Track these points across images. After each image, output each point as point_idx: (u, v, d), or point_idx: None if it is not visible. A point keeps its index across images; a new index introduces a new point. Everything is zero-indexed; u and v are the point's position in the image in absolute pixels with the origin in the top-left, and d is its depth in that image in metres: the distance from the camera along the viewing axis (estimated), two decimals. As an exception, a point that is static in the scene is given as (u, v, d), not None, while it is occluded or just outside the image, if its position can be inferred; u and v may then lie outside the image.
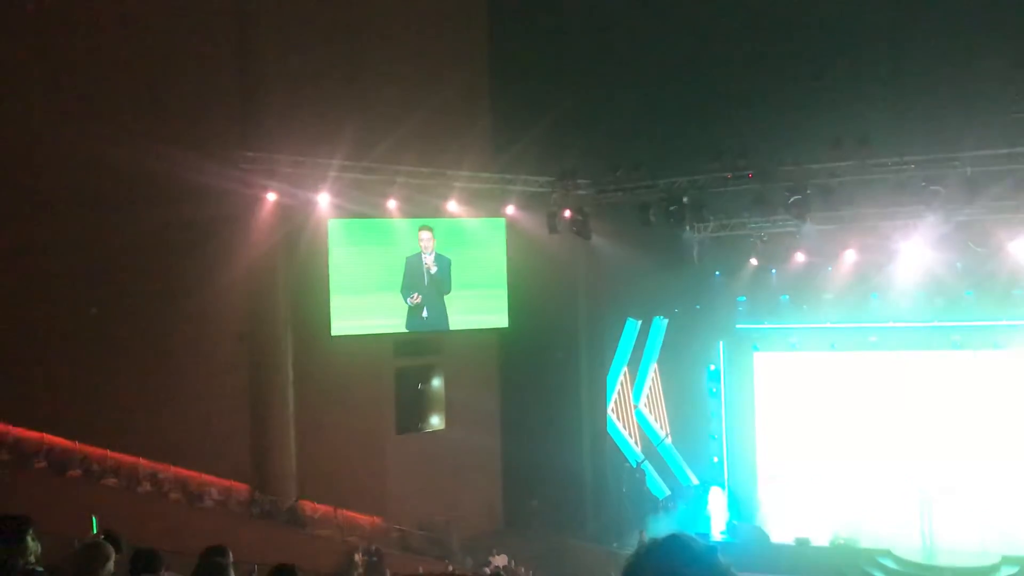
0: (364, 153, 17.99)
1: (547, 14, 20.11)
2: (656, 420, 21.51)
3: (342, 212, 18.48)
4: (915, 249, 18.02)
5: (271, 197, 18.10)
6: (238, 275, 18.01)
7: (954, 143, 15.78)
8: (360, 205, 18.60)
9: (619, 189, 18.55)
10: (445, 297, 18.64)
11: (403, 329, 18.50)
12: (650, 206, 18.11)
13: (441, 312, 18.62)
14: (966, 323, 18.88)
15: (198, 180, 16.62)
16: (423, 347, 19.37)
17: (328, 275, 18.46)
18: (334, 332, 18.30)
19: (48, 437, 16.46)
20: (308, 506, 18.33)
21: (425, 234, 18.61)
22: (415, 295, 18.40)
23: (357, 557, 16.28)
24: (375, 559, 17.03)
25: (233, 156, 17.67)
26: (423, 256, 18.61)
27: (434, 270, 18.54)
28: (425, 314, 18.47)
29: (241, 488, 18.08)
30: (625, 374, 21.08)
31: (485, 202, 19.13)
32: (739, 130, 18.71)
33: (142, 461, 17.48)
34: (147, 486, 17.48)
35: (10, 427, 16.34)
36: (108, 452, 17.24)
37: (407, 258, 18.37)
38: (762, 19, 18.63)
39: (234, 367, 18.46)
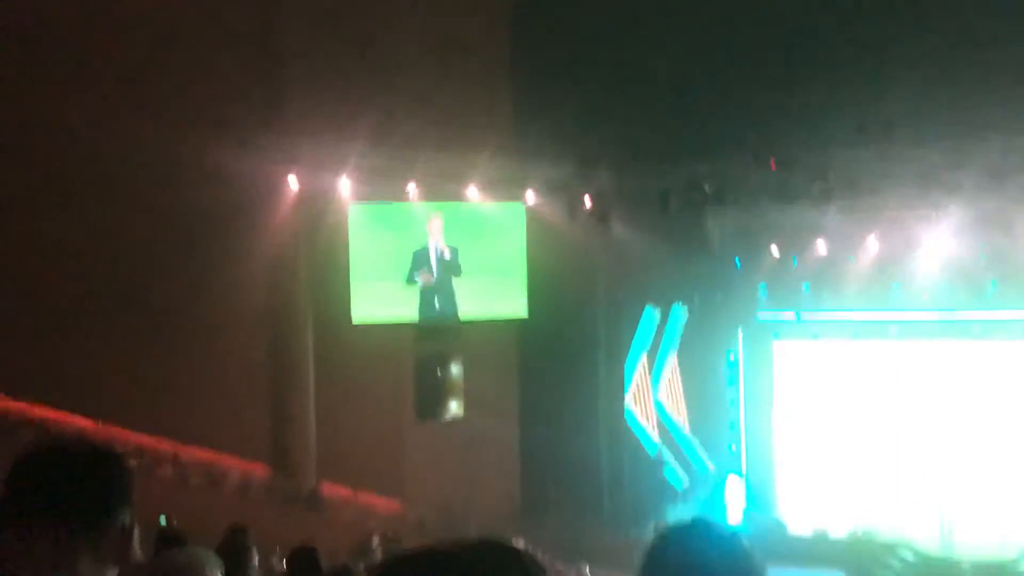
0: (385, 137, 17.91)
1: (570, -2, 19.82)
2: (675, 409, 21.48)
3: (363, 197, 18.56)
4: (939, 237, 17.89)
5: (293, 181, 18.11)
6: (259, 259, 18.00)
7: (980, 128, 15.77)
8: (381, 190, 18.67)
9: (641, 176, 18.65)
10: (457, 286, 18.63)
11: (416, 318, 18.61)
12: (671, 193, 18.28)
13: (451, 301, 18.62)
14: (989, 314, 18.76)
15: (220, 163, 16.49)
16: (443, 336, 19.33)
17: (349, 261, 18.53)
18: (355, 319, 18.37)
19: (69, 417, 16.68)
20: (327, 489, 18.49)
21: (436, 221, 18.54)
22: (424, 273, 18.34)
23: (375, 541, 16.37)
24: (393, 543, 17.10)
25: (255, 138, 17.63)
26: (431, 246, 18.55)
27: (447, 257, 18.56)
28: (437, 304, 18.50)
29: (261, 471, 18.27)
30: (644, 362, 21.07)
31: (505, 188, 19.15)
32: (762, 117, 18.70)
33: (163, 443, 17.56)
34: (168, 468, 17.45)
35: (37, 407, 16.53)
36: (130, 433, 17.10)
37: (414, 253, 18.35)
38: (787, 5, 18.64)
39: (255, 352, 18.57)
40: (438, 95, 19.03)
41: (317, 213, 18.56)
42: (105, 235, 17.41)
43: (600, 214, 19.14)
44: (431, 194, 18.81)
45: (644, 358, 21.18)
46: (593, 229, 19.40)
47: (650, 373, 21.25)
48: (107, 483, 2.17)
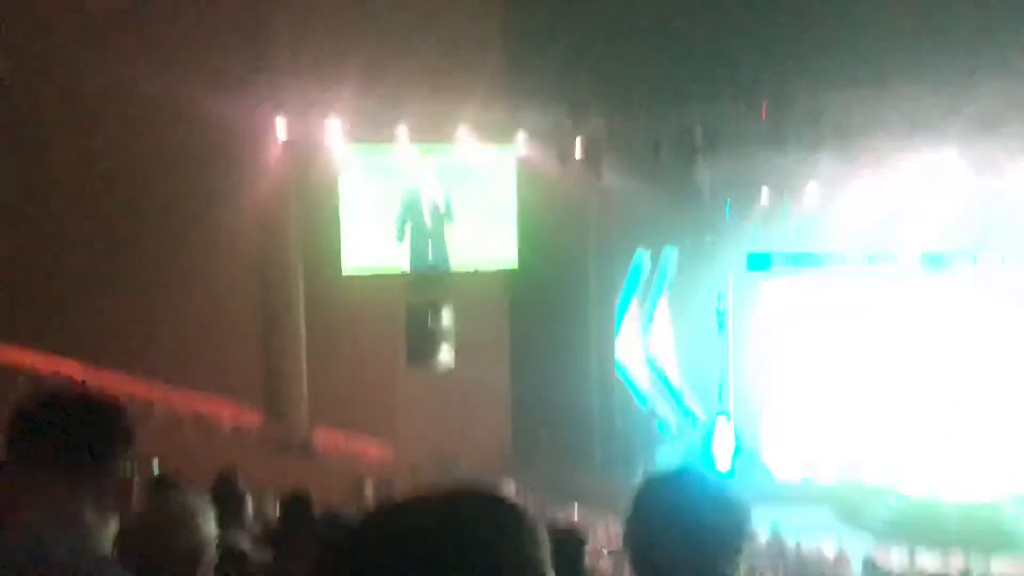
0: (374, 79, 17.73)
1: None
2: (665, 354, 21.54)
3: (352, 139, 18.47)
4: (930, 180, 17.94)
5: (280, 122, 18.02)
6: (247, 204, 17.88)
7: (972, 73, 15.83)
8: (370, 132, 18.56)
9: (632, 121, 18.75)
10: (447, 233, 18.65)
11: (407, 268, 18.63)
12: (663, 138, 18.46)
13: (443, 250, 18.67)
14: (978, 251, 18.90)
15: (205, 103, 16.26)
16: (434, 284, 19.42)
17: (338, 206, 18.54)
18: (345, 268, 18.45)
19: (59, 361, 16.61)
20: (320, 435, 18.55)
21: (428, 161, 18.52)
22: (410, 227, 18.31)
23: (368, 487, 16.44)
24: (385, 489, 17.18)
25: (241, 80, 17.41)
26: (424, 193, 18.56)
27: (439, 205, 18.59)
28: (429, 253, 18.53)
29: (253, 418, 18.31)
30: (634, 308, 21.16)
31: (496, 132, 19.05)
32: (754, 62, 18.64)
33: (154, 389, 17.48)
34: (160, 414, 17.37)
35: (26, 351, 16.46)
36: (120, 378, 16.90)
37: (403, 199, 18.30)
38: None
39: (244, 299, 18.48)
40: (428, 36, 18.74)
41: (305, 155, 18.45)
42: (88, 177, 17.25)
43: (591, 160, 19.15)
44: (421, 137, 18.68)
45: (635, 303, 21.25)
46: (584, 175, 19.38)
47: (640, 319, 21.35)
48: (109, 433, 2.20)
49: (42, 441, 2.15)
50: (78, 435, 2.16)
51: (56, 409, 2.21)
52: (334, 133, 18.11)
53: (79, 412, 2.21)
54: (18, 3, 16.32)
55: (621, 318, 21.18)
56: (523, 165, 19.22)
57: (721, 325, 20.78)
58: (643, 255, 21.00)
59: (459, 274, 19.32)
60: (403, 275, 19.00)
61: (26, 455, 2.14)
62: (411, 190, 18.59)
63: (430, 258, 18.79)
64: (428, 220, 18.70)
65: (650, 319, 21.56)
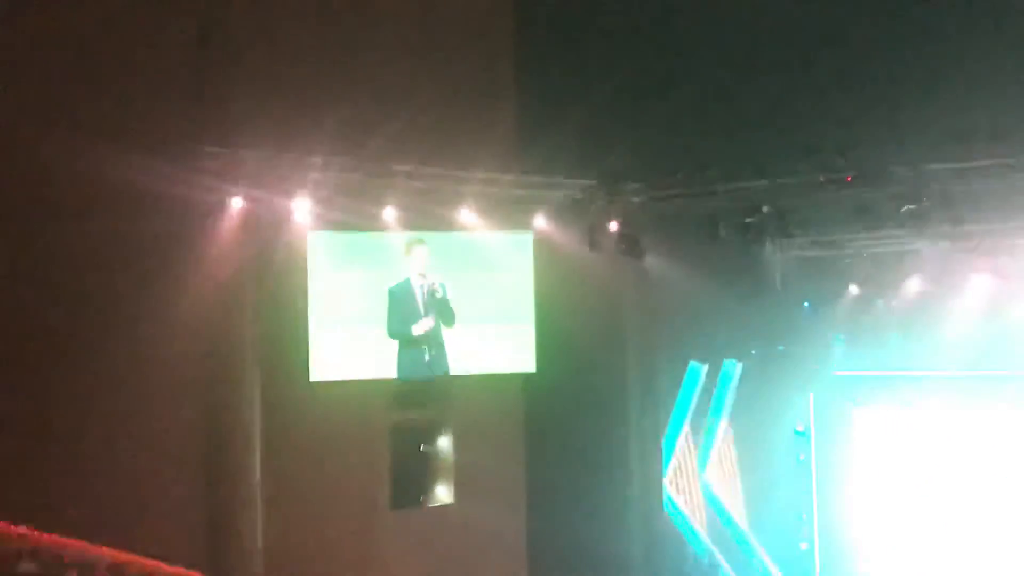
0: (355, 149, 17.07)
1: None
2: (728, 494, 20.61)
3: (326, 224, 17.51)
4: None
5: (236, 204, 16.90)
6: (195, 302, 16.67)
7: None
8: (349, 215, 17.57)
9: (680, 195, 17.85)
10: (445, 334, 17.88)
11: (393, 375, 17.71)
12: (720, 217, 17.39)
13: (441, 353, 17.89)
14: None
15: (144, 184, 15.50)
16: (427, 398, 18.48)
17: (307, 303, 17.54)
18: (313, 377, 17.39)
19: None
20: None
21: (419, 250, 17.77)
22: (424, 320, 17.58)
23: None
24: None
25: (189, 153, 16.43)
26: (414, 281, 17.77)
27: (437, 295, 17.73)
28: (427, 357, 17.76)
29: (193, 576, 17.62)
30: (687, 435, 20.25)
31: (508, 212, 18.35)
32: (836, 121, 17.52)
33: (69, 542, 14.99)
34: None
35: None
36: (28, 530, 14.56)
37: (390, 289, 17.65)
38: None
39: (187, 419, 17.13)
40: (423, 96, 18.07)
41: (268, 243, 17.33)
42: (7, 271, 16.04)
43: (629, 243, 18.20)
44: (413, 221, 17.89)
45: (687, 428, 20.33)
46: (620, 263, 18.50)
47: (696, 448, 20.44)
48: None
49: None
50: None
51: None
52: (303, 216, 17.25)
53: None
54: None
55: (672, 444, 20.18)
56: (542, 250, 18.54)
57: (800, 458, 20.28)
58: (699, 368, 20.31)
59: (462, 382, 18.36)
60: (387, 385, 17.94)
61: None
62: (402, 283, 17.80)
63: (425, 361, 17.80)
64: (423, 316, 17.81)
65: (709, 446, 20.64)
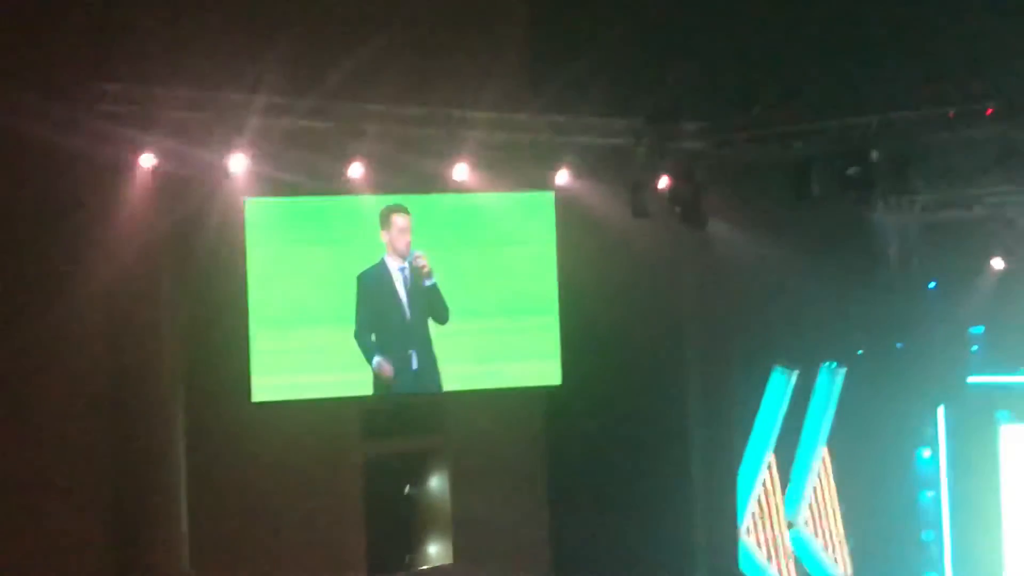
0: (310, 84, 15.58)
1: None
2: (829, 545, 19.31)
3: (270, 187, 16.06)
4: None
5: (149, 160, 15.37)
6: (93, 295, 15.39)
7: None
8: (301, 174, 16.02)
9: (756, 138, 16.38)
10: (435, 335, 16.50)
11: (368, 391, 16.36)
12: (812, 168, 15.87)
13: (430, 361, 16.56)
14: None
15: (27, 134, 14.32)
16: (413, 422, 17.44)
17: (246, 295, 16.06)
18: (256, 396, 16.00)
19: None
20: None
21: (399, 220, 16.26)
22: (383, 364, 16.25)
23: None
24: None
25: (87, 93, 14.98)
26: (391, 263, 16.38)
27: (425, 281, 16.31)
28: (414, 365, 16.48)
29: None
30: (771, 466, 18.89)
31: (520, 165, 16.76)
32: (970, 34, 16.29)
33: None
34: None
35: None
36: None
37: (359, 276, 16.41)
38: None
39: (85, 450, 15.81)
40: (404, 15, 17.00)
41: (192, 213, 15.86)
42: None
43: (686, 206, 16.62)
44: (390, 181, 16.36)
45: (770, 458, 18.93)
46: (674, 232, 17.15)
47: (783, 485, 19.05)
48: None
49: None
50: None
51: None
52: (241, 177, 15.68)
53: None
54: None
55: (750, 480, 18.77)
56: (568, 217, 17.03)
57: (926, 493, 18.87)
58: (786, 376, 18.99)
59: (460, 401, 17.34)
60: (361, 405, 16.90)
61: None
62: (376, 266, 16.41)
63: (411, 372, 16.45)
64: (407, 311, 16.39)
65: (802, 479, 19.24)
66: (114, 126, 14.97)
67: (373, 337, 16.17)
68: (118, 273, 15.47)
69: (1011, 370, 18.32)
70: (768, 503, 18.98)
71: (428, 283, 16.07)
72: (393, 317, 16.15)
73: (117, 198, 15.40)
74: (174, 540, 16.14)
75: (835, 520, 19.24)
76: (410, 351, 16.33)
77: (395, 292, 16.20)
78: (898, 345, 18.48)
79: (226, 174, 15.55)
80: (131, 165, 15.27)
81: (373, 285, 16.15)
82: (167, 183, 15.50)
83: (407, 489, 17.58)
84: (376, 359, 16.08)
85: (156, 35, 16.03)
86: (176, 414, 16.11)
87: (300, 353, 15.96)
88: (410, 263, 16.08)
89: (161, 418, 16.03)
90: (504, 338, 16.63)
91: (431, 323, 16.20)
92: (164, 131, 15.19)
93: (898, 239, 17.73)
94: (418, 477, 17.77)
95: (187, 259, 16.10)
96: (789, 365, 18.95)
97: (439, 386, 16.39)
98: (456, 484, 17.68)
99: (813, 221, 16.55)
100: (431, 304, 16.19)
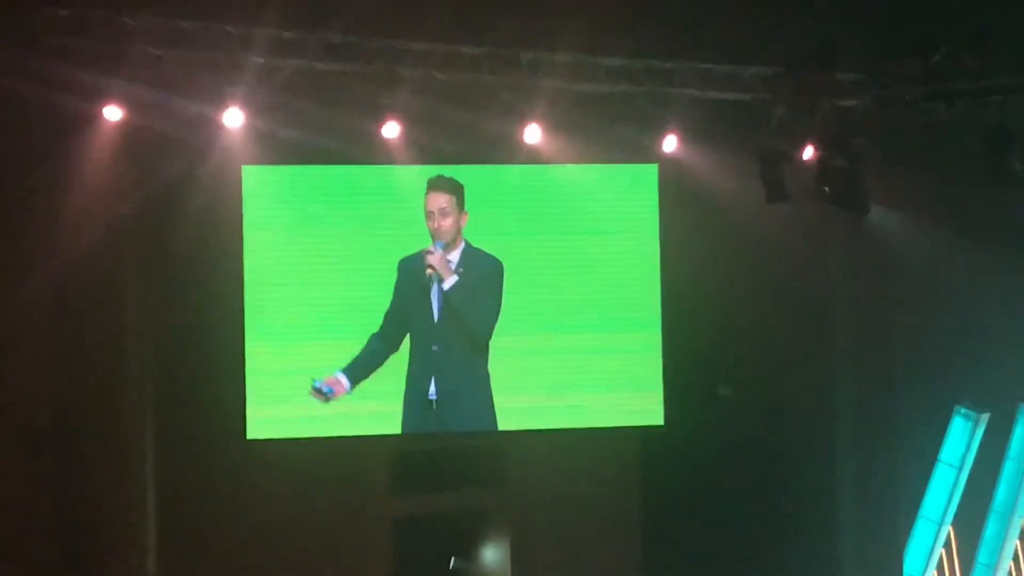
0: (327, 18, 15.48)
1: None
2: None
3: (275, 150, 16.09)
4: None
5: (113, 113, 15.45)
6: (42, 288, 15.64)
7: None
8: (317, 134, 16.09)
9: (934, 95, 15.87)
10: (492, 354, 16.66)
11: (397, 428, 16.50)
12: (1012, 136, 15.38)
13: (482, 389, 16.52)
14: None
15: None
16: (459, 472, 17.20)
17: (242, 296, 16.18)
18: (252, 431, 16.22)
19: None
20: None
21: (436, 199, 16.28)
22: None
23: None
24: None
25: (35, 25, 14.92)
26: (434, 256, 16.21)
27: (466, 288, 16.33)
28: (432, 393, 16.68)
29: None
30: (949, 543, 18.45)
31: (610, 128, 16.58)
32: None
33: None
34: None
35: None
36: None
37: (400, 262, 16.48)
38: None
39: (28, 500, 15.75)
40: None
41: (170, 186, 15.90)
42: None
43: (840, 185, 16.09)
44: (434, 146, 16.43)
45: (949, 531, 18.44)
46: (823, 220, 17.20)
47: (963, 568, 18.53)
48: None
49: None
50: None
51: None
52: (237, 137, 15.84)
53: None
54: None
55: (922, 558, 18.32)
56: (677, 197, 16.92)
57: None
58: (971, 418, 18.41)
59: (523, 444, 17.23)
60: (389, 447, 16.87)
61: None
62: (412, 260, 16.31)
63: (423, 400, 16.51)
64: (445, 322, 16.20)
65: (992, 560, 18.68)
66: (68, 66, 14.99)
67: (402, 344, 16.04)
68: (71, 264, 15.56)
69: None
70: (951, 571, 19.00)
71: (447, 286, 15.96)
72: (426, 327, 15.94)
73: (71, 163, 15.52)
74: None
75: (1042, 593, 19.61)
76: (446, 375, 16.30)
77: (425, 295, 16.09)
78: None
79: (218, 132, 15.60)
80: (91, 119, 15.37)
81: (409, 280, 16.01)
82: (139, 143, 15.57)
83: (452, 562, 17.24)
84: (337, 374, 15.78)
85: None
86: (144, 455, 16.09)
87: (309, 375, 15.76)
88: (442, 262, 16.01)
89: (124, 462, 16.11)
90: (585, 360, 16.46)
91: (480, 334, 16.07)
92: (135, 74, 15.17)
93: None
94: (466, 545, 17.39)
95: (164, 246, 16.07)
96: (975, 406, 18.46)
97: (493, 424, 16.28)
98: (519, 556, 17.40)
99: (1013, 209, 16.19)
100: (457, 316, 16.05)
